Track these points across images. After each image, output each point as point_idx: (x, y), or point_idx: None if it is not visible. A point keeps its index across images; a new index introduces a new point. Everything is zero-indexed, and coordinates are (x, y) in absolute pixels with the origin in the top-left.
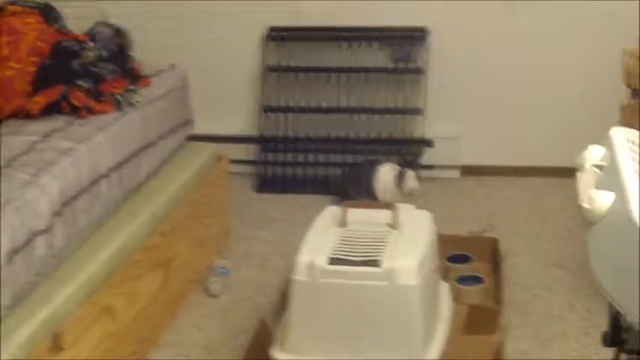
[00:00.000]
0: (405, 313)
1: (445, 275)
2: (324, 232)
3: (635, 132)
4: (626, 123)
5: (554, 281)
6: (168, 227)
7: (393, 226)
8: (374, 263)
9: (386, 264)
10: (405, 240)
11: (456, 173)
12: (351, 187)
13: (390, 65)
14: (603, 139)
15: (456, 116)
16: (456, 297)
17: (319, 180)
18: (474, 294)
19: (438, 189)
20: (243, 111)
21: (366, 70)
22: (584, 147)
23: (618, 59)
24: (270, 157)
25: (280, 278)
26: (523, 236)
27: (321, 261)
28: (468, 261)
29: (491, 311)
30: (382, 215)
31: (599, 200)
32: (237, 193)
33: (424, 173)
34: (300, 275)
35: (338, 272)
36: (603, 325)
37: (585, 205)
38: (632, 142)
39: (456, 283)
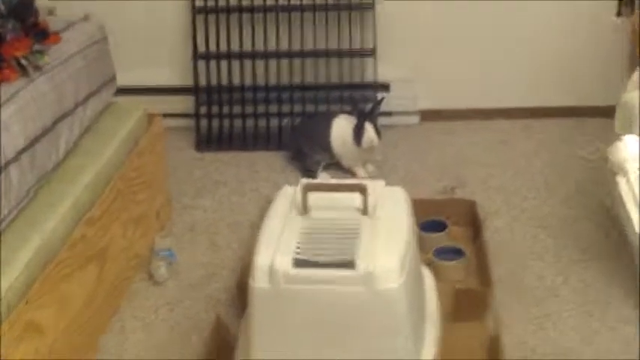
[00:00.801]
0: (390, 321)
1: (419, 246)
2: (282, 224)
3: None
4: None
5: (539, 246)
6: (97, 213)
7: (364, 211)
8: (348, 264)
9: (362, 264)
10: (380, 229)
11: (415, 119)
12: (305, 143)
13: (335, 1)
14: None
15: (411, 56)
16: (436, 274)
17: (265, 133)
18: (456, 270)
19: (398, 138)
20: (175, 59)
21: (309, 7)
22: (551, 86)
23: None
24: (208, 110)
25: (233, 256)
26: (497, 191)
27: (284, 263)
28: (444, 228)
29: (480, 293)
30: (350, 198)
31: None
32: (174, 153)
33: (381, 121)
34: (259, 281)
35: (305, 277)
36: (600, 299)
37: None
38: None
39: (434, 258)
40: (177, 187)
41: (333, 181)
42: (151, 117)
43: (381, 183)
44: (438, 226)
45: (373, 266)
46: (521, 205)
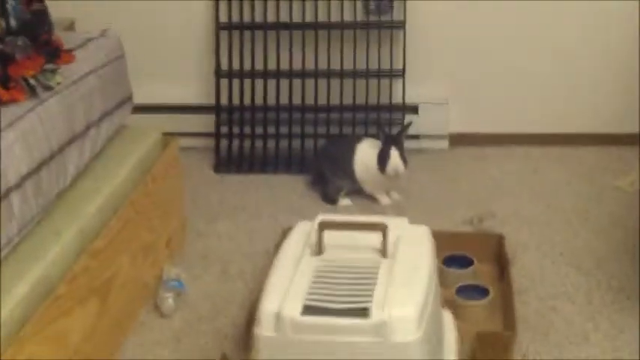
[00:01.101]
0: None
1: (441, 282)
2: (294, 265)
3: None
4: None
5: (569, 286)
6: (103, 243)
7: (384, 252)
8: (362, 312)
9: (377, 313)
10: (399, 274)
11: (444, 143)
12: (327, 168)
13: (364, 19)
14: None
15: (441, 78)
16: (458, 313)
17: (287, 156)
18: (479, 310)
19: (425, 163)
20: (196, 76)
21: (336, 25)
22: (587, 112)
23: (633, 15)
24: (229, 130)
25: (245, 288)
26: (528, 224)
27: (293, 310)
28: (470, 264)
29: (503, 338)
30: (369, 238)
31: None
32: (191, 174)
33: (408, 144)
34: (265, 329)
35: (314, 325)
36: (632, 347)
37: None
38: None
39: (456, 296)
40: (192, 211)
41: (353, 218)
42: (167, 139)
43: (403, 220)
44: (463, 262)
45: (389, 316)
46: (552, 239)
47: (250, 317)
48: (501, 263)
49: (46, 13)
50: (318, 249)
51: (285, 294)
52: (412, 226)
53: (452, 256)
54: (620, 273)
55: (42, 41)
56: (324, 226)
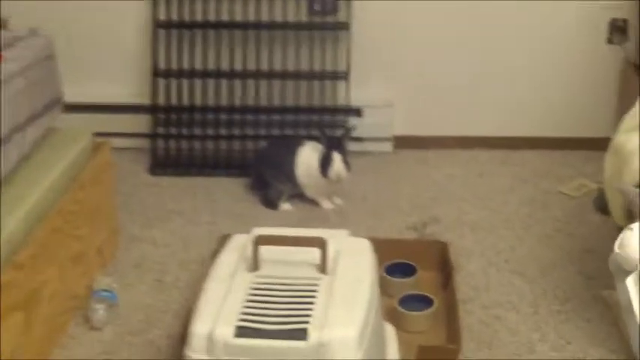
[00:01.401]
0: None
1: (384, 291)
2: (228, 282)
3: None
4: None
5: (514, 295)
6: (27, 254)
7: (323, 268)
8: (299, 334)
9: (315, 335)
10: (339, 291)
11: (388, 146)
12: (267, 171)
13: (307, 19)
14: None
15: (386, 80)
16: (400, 324)
17: (226, 158)
18: (421, 321)
19: (368, 166)
20: (133, 75)
21: (279, 25)
22: (533, 115)
23: (577, 18)
24: (166, 130)
25: (180, 298)
26: (472, 230)
27: (225, 332)
28: (413, 272)
29: (447, 351)
30: (307, 252)
31: None
32: (126, 177)
33: (351, 147)
34: (196, 352)
35: (248, 348)
36: (579, 354)
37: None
38: None
39: (399, 307)
40: (126, 215)
41: (290, 231)
42: (98, 143)
43: (343, 233)
44: (406, 270)
45: (328, 337)
46: (496, 245)
47: (185, 329)
48: (445, 271)
49: None
50: (254, 264)
51: (217, 314)
52: (352, 239)
53: (395, 263)
54: (566, 282)
55: None
56: (260, 241)
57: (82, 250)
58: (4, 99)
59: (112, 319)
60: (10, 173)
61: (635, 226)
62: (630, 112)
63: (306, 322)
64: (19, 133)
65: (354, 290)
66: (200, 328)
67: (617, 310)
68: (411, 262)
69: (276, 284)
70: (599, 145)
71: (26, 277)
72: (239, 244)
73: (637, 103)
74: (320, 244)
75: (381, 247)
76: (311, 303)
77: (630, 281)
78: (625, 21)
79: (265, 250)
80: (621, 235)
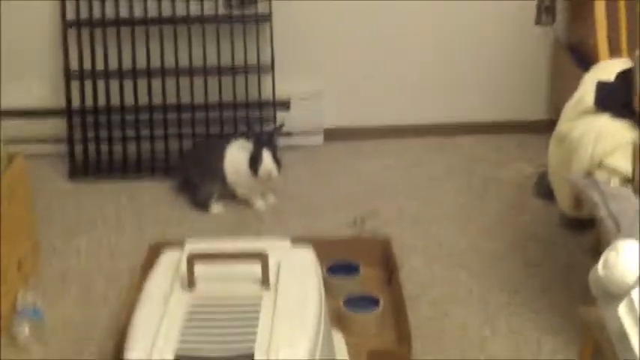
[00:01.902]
0: None
1: (327, 292)
2: (162, 303)
3: None
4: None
5: (462, 289)
6: None
7: (265, 283)
8: (244, 358)
9: (261, 358)
10: (284, 307)
11: (319, 139)
12: (194, 172)
13: (226, 13)
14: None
15: (313, 72)
16: (348, 327)
17: (149, 160)
18: (369, 322)
19: (300, 161)
20: (44, 77)
21: (196, 19)
22: (466, 100)
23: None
24: (83, 134)
25: (110, 313)
26: (412, 223)
27: (163, 358)
28: (355, 271)
29: (397, 355)
30: (246, 266)
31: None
32: (43, 185)
33: (281, 141)
34: None
35: None
36: (531, 351)
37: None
38: None
39: (345, 309)
40: (47, 226)
41: (226, 245)
42: (10, 155)
43: (284, 242)
44: (348, 269)
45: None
46: (437, 238)
47: (117, 347)
48: (389, 268)
49: None
50: (189, 283)
51: (153, 340)
52: (294, 249)
53: (336, 263)
54: (512, 273)
55: None
56: (194, 257)
57: (2, 267)
58: None
59: (38, 338)
60: None
61: (619, 245)
62: (571, 100)
63: (251, 346)
64: None
65: (300, 306)
66: (135, 355)
67: (599, 332)
68: (353, 261)
69: (216, 304)
70: (533, 128)
71: None
72: (172, 260)
73: (577, 91)
74: (260, 257)
75: (321, 246)
76: (255, 323)
77: (622, 310)
78: (553, 1)
79: (201, 266)
80: (603, 257)
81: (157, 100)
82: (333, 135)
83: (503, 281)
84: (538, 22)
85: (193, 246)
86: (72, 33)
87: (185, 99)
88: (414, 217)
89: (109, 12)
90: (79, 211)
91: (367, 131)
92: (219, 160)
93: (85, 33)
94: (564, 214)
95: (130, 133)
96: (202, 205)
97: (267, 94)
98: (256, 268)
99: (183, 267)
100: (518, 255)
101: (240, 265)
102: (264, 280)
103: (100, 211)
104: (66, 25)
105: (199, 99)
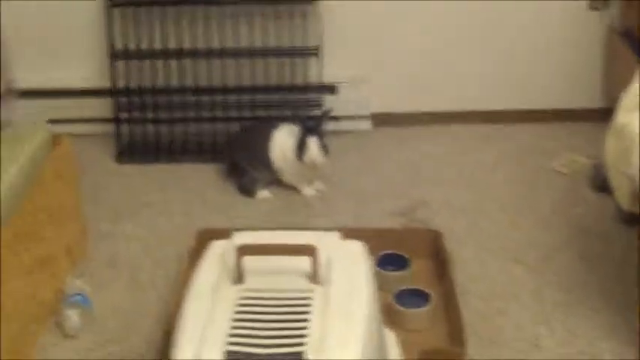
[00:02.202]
0: None
1: (378, 287)
2: (210, 298)
3: None
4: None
5: (515, 285)
6: None
7: (315, 278)
8: (295, 357)
9: (313, 358)
10: (335, 303)
11: (366, 124)
12: (242, 158)
13: None
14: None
15: (361, 55)
16: (398, 322)
17: (197, 142)
18: (420, 318)
19: (347, 148)
20: (89, 58)
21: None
22: (514, 87)
23: None
24: (130, 115)
25: (158, 300)
26: (462, 214)
27: (212, 358)
28: (405, 265)
29: (451, 354)
30: (296, 260)
31: None
32: (90, 166)
33: (328, 126)
34: None
35: None
36: (586, 351)
37: None
38: None
39: (395, 304)
40: (94, 208)
41: (275, 236)
42: (57, 137)
43: (333, 236)
44: (398, 261)
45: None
46: (488, 230)
47: (166, 335)
48: (440, 261)
49: None
50: (238, 276)
51: (202, 336)
52: (344, 242)
53: (386, 254)
54: (567, 268)
55: None
56: (242, 251)
57: (49, 252)
58: None
59: (86, 325)
60: None
61: None
62: (628, 90)
63: (303, 344)
64: None
65: (352, 303)
66: (183, 353)
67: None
68: (402, 253)
69: (265, 299)
70: (587, 116)
71: None
72: (219, 251)
73: (634, 81)
74: (310, 251)
75: (370, 237)
76: (305, 319)
77: None
78: None
79: (249, 258)
80: None
81: (203, 81)
82: (381, 120)
83: (559, 277)
84: (592, 7)
85: (241, 237)
86: (116, 13)
87: (230, 81)
88: (464, 208)
89: None
90: (126, 194)
91: (415, 117)
92: (265, 145)
93: (129, 12)
94: (621, 208)
95: (177, 114)
96: (248, 190)
97: (314, 77)
98: (305, 261)
99: (232, 260)
100: (574, 249)
101: (288, 258)
102: (314, 275)
103: (146, 194)
104: (110, 4)
105: (245, 81)
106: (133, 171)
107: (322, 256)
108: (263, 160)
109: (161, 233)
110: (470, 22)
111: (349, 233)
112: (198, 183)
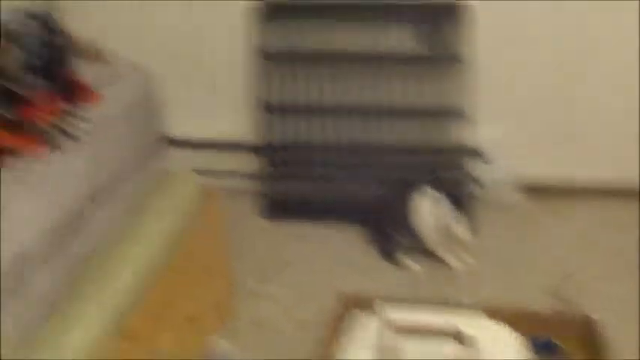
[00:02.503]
0: None
1: None
2: None
3: None
4: None
5: None
6: (139, 320)
7: None
8: None
9: None
10: None
11: (516, 194)
12: (384, 221)
13: (421, 51)
14: None
15: (510, 118)
16: None
17: (342, 202)
18: None
19: (497, 216)
20: (238, 110)
21: (392, 57)
22: None
23: None
24: (278, 171)
25: None
26: (619, 300)
27: None
28: (554, 352)
29: None
30: (446, 347)
31: None
32: (235, 220)
33: (475, 193)
34: None
35: None
36: None
37: None
38: None
39: None
40: (239, 265)
41: (421, 315)
42: (208, 189)
43: (481, 318)
44: (548, 348)
45: None
46: None
47: None
48: (594, 352)
49: (69, 47)
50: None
51: None
52: (491, 325)
53: (533, 340)
54: None
55: (62, 79)
56: (391, 329)
57: (199, 308)
58: (106, 144)
59: None
60: (113, 227)
61: None
62: None
63: None
64: (122, 183)
65: None
66: None
67: None
68: (552, 340)
69: None
70: None
71: (137, 346)
72: (366, 328)
73: None
74: (455, 335)
75: (518, 319)
76: None
77: None
78: None
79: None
80: None
81: (345, 139)
82: (532, 190)
83: None
84: None
85: (387, 313)
86: (270, 66)
87: (374, 140)
88: (621, 293)
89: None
90: (273, 252)
91: (568, 190)
92: (407, 210)
93: (279, 67)
94: None
95: (329, 173)
96: (391, 256)
97: (459, 140)
98: (454, 346)
99: (379, 336)
100: None
101: (439, 344)
102: None
103: (290, 253)
104: (265, 58)
105: (390, 141)
106: (280, 228)
107: (468, 337)
108: (404, 226)
109: (303, 294)
110: (629, 88)
111: (495, 313)
112: (343, 245)
